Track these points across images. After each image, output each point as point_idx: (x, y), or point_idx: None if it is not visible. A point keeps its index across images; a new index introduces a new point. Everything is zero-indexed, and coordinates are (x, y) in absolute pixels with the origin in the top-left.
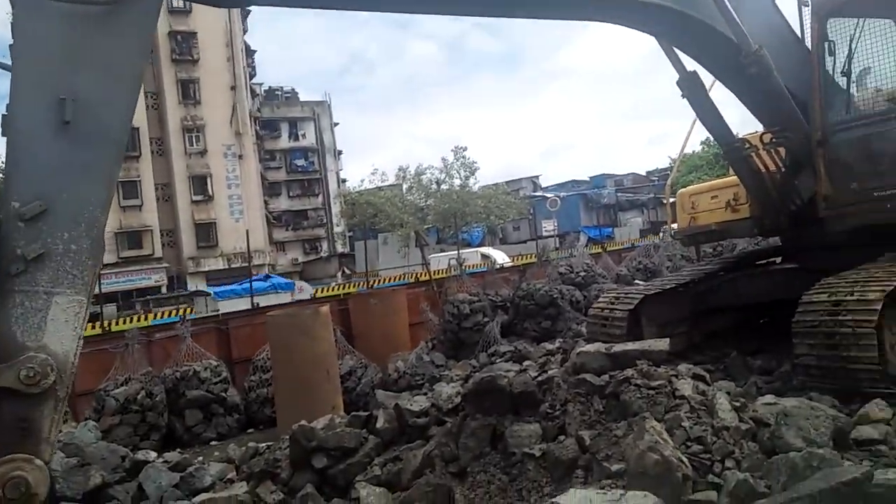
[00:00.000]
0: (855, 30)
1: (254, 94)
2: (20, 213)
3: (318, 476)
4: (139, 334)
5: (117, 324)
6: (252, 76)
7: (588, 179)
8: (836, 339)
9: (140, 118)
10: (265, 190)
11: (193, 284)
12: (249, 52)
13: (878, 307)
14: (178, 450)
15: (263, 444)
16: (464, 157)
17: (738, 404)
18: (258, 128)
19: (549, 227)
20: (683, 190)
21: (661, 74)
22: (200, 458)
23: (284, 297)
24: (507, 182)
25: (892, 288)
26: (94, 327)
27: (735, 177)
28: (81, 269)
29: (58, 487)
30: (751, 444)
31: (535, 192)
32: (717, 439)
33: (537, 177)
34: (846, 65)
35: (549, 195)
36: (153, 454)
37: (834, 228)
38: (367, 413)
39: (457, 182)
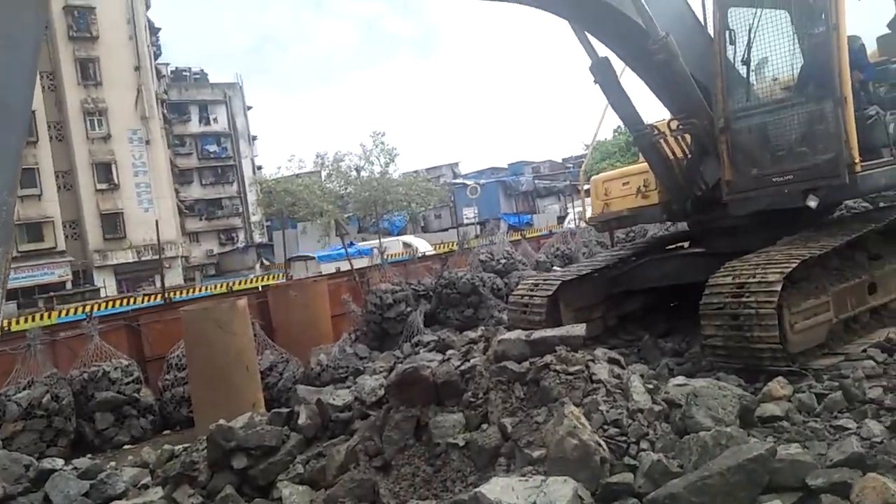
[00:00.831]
0: (753, 19)
1: (160, 76)
2: None
3: (238, 477)
4: (42, 333)
5: (17, 323)
6: (157, 56)
7: (506, 166)
8: (741, 319)
9: (36, 100)
10: (175, 177)
11: (100, 279)
12: (153, 30)
13: (779, 289)
14: (89, 455)
15: (180, 446)
16: (382, 142)
17: (651, 386)
18: (165, 111)
19: (469, 214)
20: (596, 177)
21: (579, 60)
22: (112, 464)
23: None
24: (426, 169)
25: (790, 270)
26: None
27: (645, 163)
28: None
29: None
30: (664, 425)
31: (454, 179)
32: (633, 421)
33: (457, 163)
34: (746, 53)
35: (468, 182)
36: (60, 461)
37: (736, 213)
38: (288, 409)
39: (377, 169)
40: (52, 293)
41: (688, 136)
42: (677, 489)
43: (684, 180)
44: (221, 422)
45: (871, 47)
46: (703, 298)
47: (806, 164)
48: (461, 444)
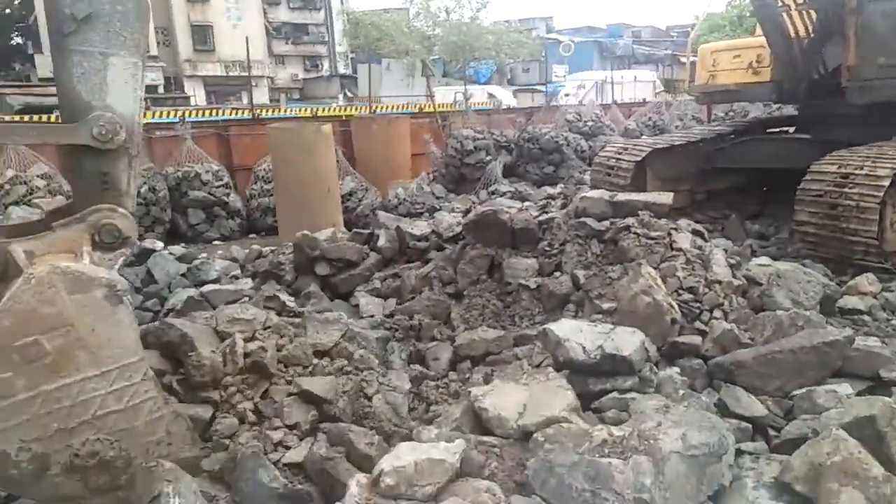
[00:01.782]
0: None
1: None
2: None
3: (321, 282)
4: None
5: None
6: None
7: (604, 27)
8: (839, 210)
9: None
10: None
11: (190, 88)
12: None
13: (886, 184)
14: (182, 244)
15: (267, 248)
16: None
17: (733, 262)
18: None
19: (560, 72)
20: (706, 46)
21: None
22: (205, 255)
23: None
24: (519, 20)
25: None
26: None
27: (761, 38)
28: (131, 30)
29: None
30: (740, 300)
31: (548, 33)
32: (709, 291)
33: (551, 18)
34: None
35: (562, 38)
36: (160, 244)
37: (853, 101)
38: (368, 231)
39: (467, 13)
40: (146, 95)
41: (813, 13)
42: (745, 357)
43: (802, 60)
44: (306, 231)
45: None
46: (802, 184)
47: None
48: (532, 286)
